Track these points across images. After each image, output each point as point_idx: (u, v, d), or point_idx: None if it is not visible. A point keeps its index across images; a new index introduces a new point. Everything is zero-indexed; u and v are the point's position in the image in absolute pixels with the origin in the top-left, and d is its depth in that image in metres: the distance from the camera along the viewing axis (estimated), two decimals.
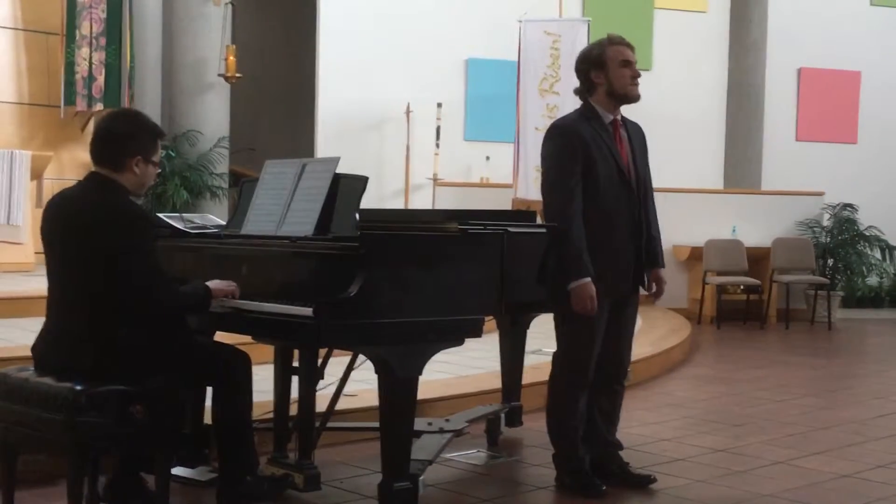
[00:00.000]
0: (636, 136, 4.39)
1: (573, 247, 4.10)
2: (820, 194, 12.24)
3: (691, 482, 4.52)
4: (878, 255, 12.31)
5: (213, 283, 3.68)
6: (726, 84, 13.04)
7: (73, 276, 3.46)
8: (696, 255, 11.15)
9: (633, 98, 4.27)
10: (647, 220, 4.35)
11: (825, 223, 12.21)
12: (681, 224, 10.74)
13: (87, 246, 3.41)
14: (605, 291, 4.17)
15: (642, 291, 4.45)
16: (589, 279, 4.10)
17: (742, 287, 11.36)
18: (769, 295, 11.41)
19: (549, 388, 4.41)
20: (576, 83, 4.36)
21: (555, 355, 4.37)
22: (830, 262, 12.14)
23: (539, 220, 4.84)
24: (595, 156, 4.17)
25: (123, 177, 3.55)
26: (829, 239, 12.13)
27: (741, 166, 12.93)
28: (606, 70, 4.22)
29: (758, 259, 11.38)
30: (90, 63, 9.68)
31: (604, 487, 4.28)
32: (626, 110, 4.40)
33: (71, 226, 3.47)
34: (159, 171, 3.69)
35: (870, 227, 12.19)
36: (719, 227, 11.44)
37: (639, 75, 4.28)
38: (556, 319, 4.35)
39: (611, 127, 4.28)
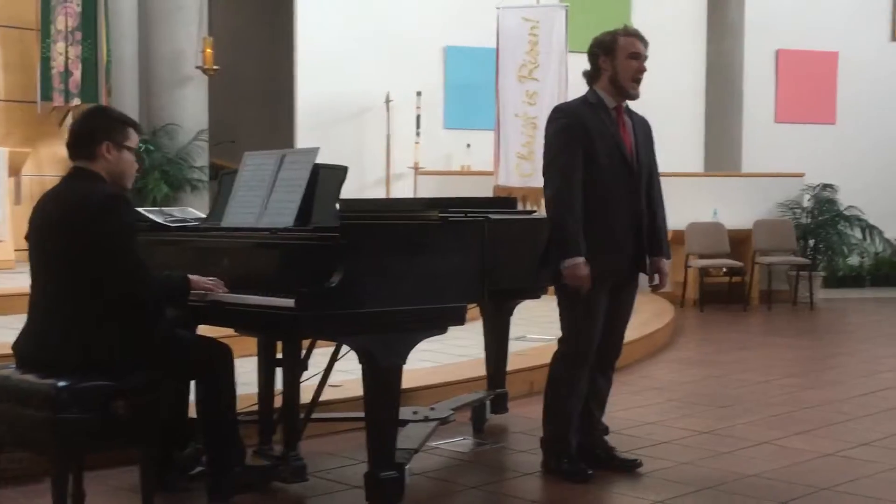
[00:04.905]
0: (641, 126, 4.40)
1: (569, 226, 4.12)
2: (800, 175, 12.28)
3: (677, 464, 4.54)
4: (858, 234, 12.36)
5: (194, 278, 3.68)
6: (705, 67, 13.06)
7: (59, 269, 3.45)
8: (677, 238, 11.11)
9: (631, 96, 4.29)
10: (649, 207, 4.36)
11: (805, 204, 12.26)
12: None
13: (72, 235, 3.41)
14: (603, 275, 4.18)
15: (645, 284, 4.46)
16: (582, 259, 4.11)
17: (724, 269, 11.40)
18: (751, 277, 11.46)
19: (550, 369, 4.41)
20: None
21: (559, 339, 4.39)
22: (811, 242, 12.18)
23: (520, 207, 4.84)
24: (596, 140, 4.19)
25: (98, 165, 3.57)
26: (809, 220, 12.18)
27: (721, 149, 12.96)
28: (614, 58, 4.24)
29: (739, 241, 11.41)
30: (66, 58, 9.60)
31: (590, 472, 4.29)
32: None
33: (58, 219, 3.47)
34: (137, 158, 3.69)
35: (850, 206, 12.24)
36: (700, 210, 11.45)
37: (644, 71, 4.28)
38: (559, 304, 4.36)
39: (614, 113, 4.29)
